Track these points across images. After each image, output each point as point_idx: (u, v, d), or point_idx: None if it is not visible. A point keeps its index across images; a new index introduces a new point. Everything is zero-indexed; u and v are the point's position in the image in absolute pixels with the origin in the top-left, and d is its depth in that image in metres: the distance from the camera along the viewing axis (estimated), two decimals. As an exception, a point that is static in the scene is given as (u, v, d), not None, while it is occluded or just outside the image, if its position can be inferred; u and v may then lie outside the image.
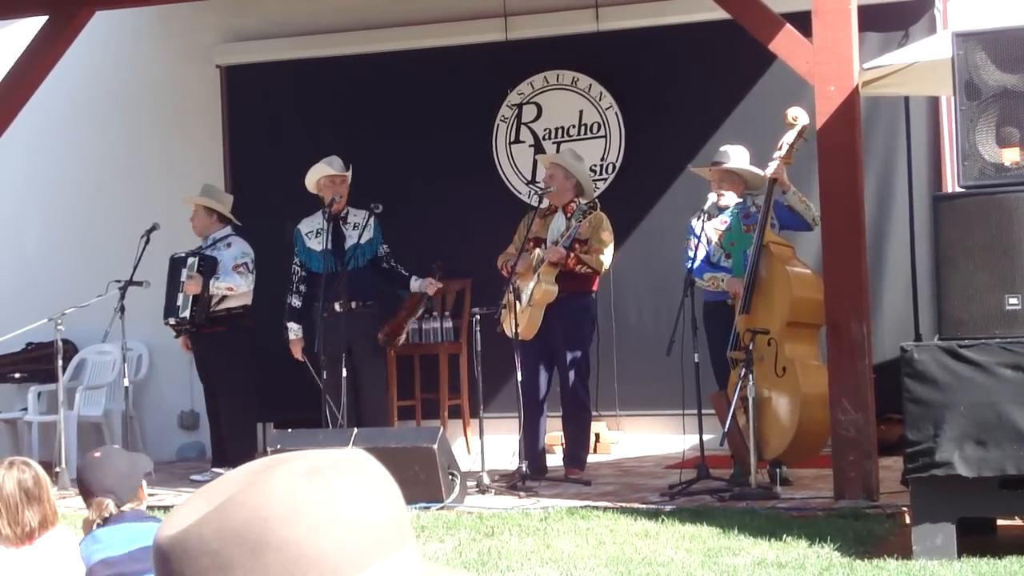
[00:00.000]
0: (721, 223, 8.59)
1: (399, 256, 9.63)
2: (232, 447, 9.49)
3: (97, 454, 4.45)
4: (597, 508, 7.62)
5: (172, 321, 9.65)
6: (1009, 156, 6.39)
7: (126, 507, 4.24)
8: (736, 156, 8.58)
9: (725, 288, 8.40)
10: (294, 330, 9.53)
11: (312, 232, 9.51)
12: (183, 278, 9.60)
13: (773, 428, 8.01)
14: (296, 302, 9.54)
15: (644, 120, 10.42)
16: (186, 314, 9.59)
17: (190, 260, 9.66)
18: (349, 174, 9.50)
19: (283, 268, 10.31)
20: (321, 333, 9.16)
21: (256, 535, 1.26)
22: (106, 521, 4.28)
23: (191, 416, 11.37)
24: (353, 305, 9.25)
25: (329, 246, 9.39)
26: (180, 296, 9.60)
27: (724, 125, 10.01)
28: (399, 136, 10.78)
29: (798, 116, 8.14)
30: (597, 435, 10.12)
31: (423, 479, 7.86)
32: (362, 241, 9.38)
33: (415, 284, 9.46)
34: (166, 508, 6.57)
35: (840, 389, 7.46)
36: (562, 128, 10.65)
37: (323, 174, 9.45)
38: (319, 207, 9.53)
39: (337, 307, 9.20)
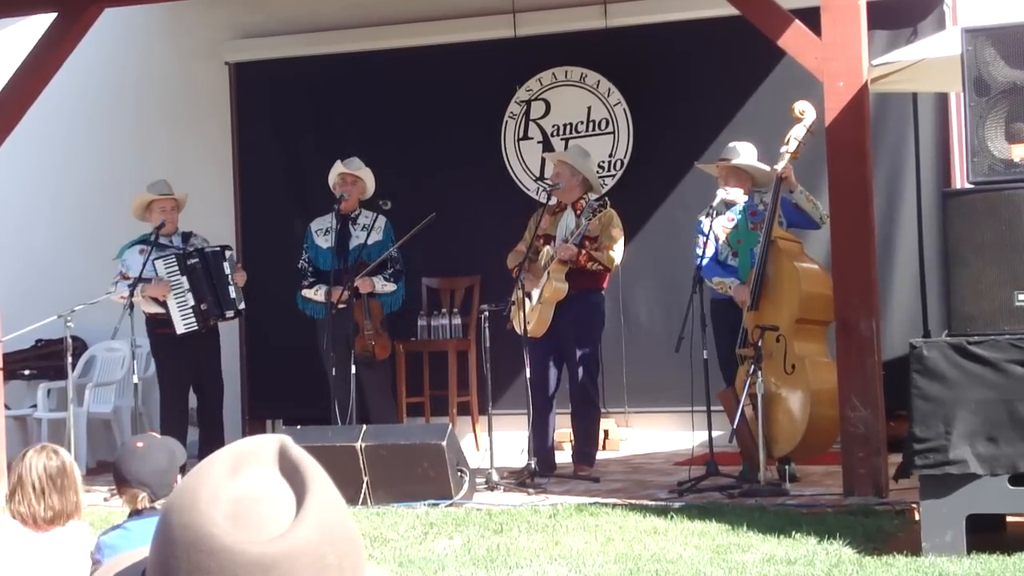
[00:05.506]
0: (728, 220, 8.55)
1: (407, 253, 9.63)
2: (219, 439, 9.44)
3: (140, 444, 4.38)
4: (606, 505, 7.62)
5: (230, 314, 9.59)
6: (1018, 152, 6.38)
7: (159, 503, 4.18)
8: (744, 153, 8.54)
9: (732, 295, 8.37)
10: (322, 290, 9.42)
11: (322, 229, 9.54)
12: (228, 271, 9.54)
13: (782, 425, 7.99)
14: (307, 288, 9.56)
15: (652, 116, 10.42)
16: (242, 306, 9.61)
17: (228, 253, 9.65)
18: (364, 177, 9.49)
19: (289, 264, 10.32)
20: (328, 330, 9.18)
21: (344, 531, 1.26)
22: (139, 513, 4.25)
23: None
24: (355, 303, 9.24)
25: (334, 244, 9.40)
26: (232, 288, 9.54)
27: (732, 121, 10.00)
28: (408, 132, 10.79)
29: (805, 110, 8.09)
30: (606, 432, 10.12)
31: (432, 476, 7.86)
32: (369, 242, 9.39)
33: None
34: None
35: (849, 386, 7.44)
36: (570, 124, 10.64)
37: (337, 171, 9.50)
38: (330, 204, 9.54)
39: (342, 305, 9.20)
